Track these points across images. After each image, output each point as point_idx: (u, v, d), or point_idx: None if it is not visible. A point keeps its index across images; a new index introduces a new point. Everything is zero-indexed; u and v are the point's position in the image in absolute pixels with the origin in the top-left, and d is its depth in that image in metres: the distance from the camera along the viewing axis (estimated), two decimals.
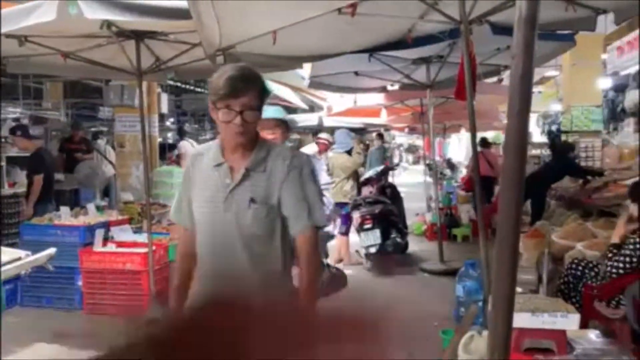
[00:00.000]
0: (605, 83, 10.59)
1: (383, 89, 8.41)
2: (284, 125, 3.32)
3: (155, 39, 4.93)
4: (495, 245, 1.25)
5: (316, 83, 7.60)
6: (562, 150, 8.12)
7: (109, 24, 4.28)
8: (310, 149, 10.55)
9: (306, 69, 7.15)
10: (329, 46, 5.35)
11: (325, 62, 5.77)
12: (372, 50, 5.86)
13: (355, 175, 7.73)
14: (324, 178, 8.09)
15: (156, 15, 4.04)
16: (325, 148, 8.37)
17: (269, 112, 3.18)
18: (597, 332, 3.53)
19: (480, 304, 4.12)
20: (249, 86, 1.96)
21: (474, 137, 4.82)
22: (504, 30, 5.19)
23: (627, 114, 11.07)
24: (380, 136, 14.28)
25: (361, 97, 9.87)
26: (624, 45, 10.06)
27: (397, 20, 4.81)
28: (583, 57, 9.55)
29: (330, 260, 7.55)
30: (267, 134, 2.84)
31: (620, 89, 11.61)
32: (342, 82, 7.72)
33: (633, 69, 10.32)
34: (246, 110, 1.96)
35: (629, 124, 10.64)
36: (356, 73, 7.19)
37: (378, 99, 9.73)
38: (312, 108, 14.55)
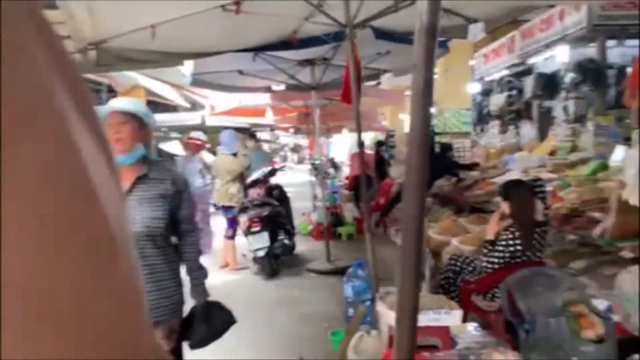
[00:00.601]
0: (473, 88, 11.43)
1: (268, 89, 8.34)
2: (136, 122, 2.52)
3: None
4: (400, 253, 1.23)
5: (198, 81, 7.34)
6: (441, 150, 8.59)
7: None
8: (173, 147, 10.09)
9: (188, 67, 6.86)
10: (212, 43, 5.17)
11: (208, 59, 5.58)
12: (256, 50, 5.77)
13: (241, 177, 7.57)
14: (197, 181, 7.82)
15: None
16: (198, 148, 8.13)
17: (118, 104, 2.59)
18: (476, 325, 3.73)
19: (368, 303, 4.18)
20: None
21: (359, 138, 4.91)
22: (384, 35, 5.37)
23: (492, 116, 12.08)
24: (253, 136, 14.06)
25: (246, 96, 9.74)
26: (489, 52, 10.95)
27: (282, 21, 4.76)
28: (455, 63, 10.19)
29: (216, 266, 7.35)
30: (111, 133, 2.37)
31: (486, 93, 12.63)
32: (226, 80, 7.53)
33: (497, 75, 11.27)
34: None
35: (494, 126, 11.60)
36: (240, 72, 7.04)
37: (263, 98, 9.65)
38: (194, 107, 14.10)
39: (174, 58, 5.37)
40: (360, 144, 5.05)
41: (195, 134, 8.55)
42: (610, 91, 7.64)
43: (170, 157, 10.32)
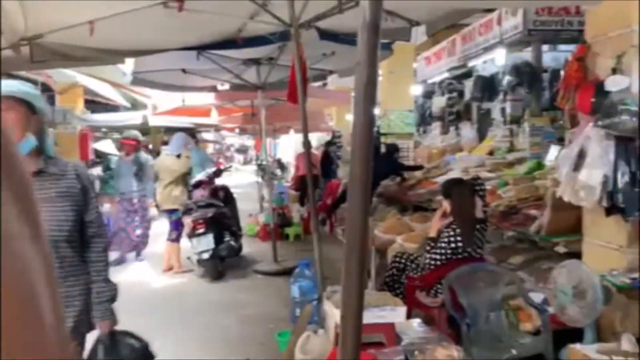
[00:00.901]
0: (416, 90, 11.67)
1: (213, 89, 8.22)
2: (23, 107, 2.06)
3: None
4: (345, 252, 1.23)
5: (139, 80, 7.15)
6: (387, 151, 8.73)
7: None
8: (106, 146, 9.72)
9: (128, 65, 6.66)
10: (154, 41, 5.04)
11: (150, 58, 5.45)
12: (200, 48, 5.67)
13: (184, 179, 7.41)
14: (133, 184, 7.56)
15: None
16: (132, 148, 7.80)
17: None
18: (420, 320, 3.82)
19: (315, 303, 4.19)
20: None
21: (306, 138, 4.91)
22: (329, 36, 5.40)
23: (434, 118, 12.38)
24: (193, 136, 13.82)
25: (190, 96, 9.55)
26: (431, 55, 11.21)
27: (226, 19, 4.70)
28: (398, 66, 10.37)
29: (159, 269, 7.18)
30: None
31: (428, 95, 12.93)
32: (169, 79, 7.37)
33: (439, 78, 11.56)
34: None
35: (436, 127, 11.90)
36: (184, 71, 6.91)
37: (208, 98, 9.50)
38: (136, 106, 13.72)
39: (114, 55, 5.20)
40: (306, 144, 5.06)
41: (130, 134, 8.12)
42: (545, 93, 7.99)
43: (105, 156, 9.94)
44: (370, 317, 3.31)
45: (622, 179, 3.32)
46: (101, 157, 10.12)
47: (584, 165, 3.45)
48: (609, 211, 3.47)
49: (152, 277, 6.98)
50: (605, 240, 3.66)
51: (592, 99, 3.54)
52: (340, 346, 1.20)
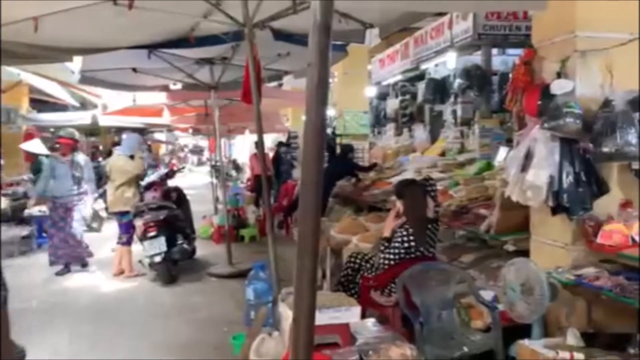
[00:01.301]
0: (370, 91, 11.79)
1: (165, 88, 8.07)
2: None
3: None
4: (297, 252, 1.23)
5: (88, 78, 6.96)
6: (342, 152, 8.78)
7: None
8: (35, 146, 9.17)
9: (77, 63, 6.45)
10: (104, 39, 4.91)
11: (99, 56, 5.30)
12: (152, 47, 5.56)
13: (137, 180, 7.22)
14: (67, 185, 7.08)
15: None
16: (69, 148, 7.29)
17: None
18: (374, 320, 3.85)
19: (270, 305, 4.17)
20: None
21: (261, 139, 4.88)
22: (284, 36, 5.39)
23: (388, 119, 12.55)
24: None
25: (141, 95, 9.33)
26: (385, 58, 11.35)
27: (179, 18, 4.61)
28: (353, 67, 10.46)
29: (109, 273, 6.97)
30: None
31: (382, 97, 13.10)
32: (119, 78, 7.19)
33: (392, 80, 11.72)
34: None
35: (390, 129, 12.06)
36: (135, 70, 6.75)
37: (160, 98, 9.31)
38: (84, 105, 13.31)
39: (63, 53, 5.04)
40: (261, 145, 5.03)
41: (66, 132, 7.49)
42: (494, 96, 8.21)
43: (35, 157, 9.20)
44: (324, 318, 3.32)
45: (567, 179, 3.45)
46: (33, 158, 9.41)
47: (530, 166, 3.56)
48: (555, 210, 3.60)
49: (101, 282, 6.78)
50: (551, 239, 3.79)
51: (539, 102, 3.66)
52: (291, 348, 1.19)
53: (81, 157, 7.48)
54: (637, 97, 3.37)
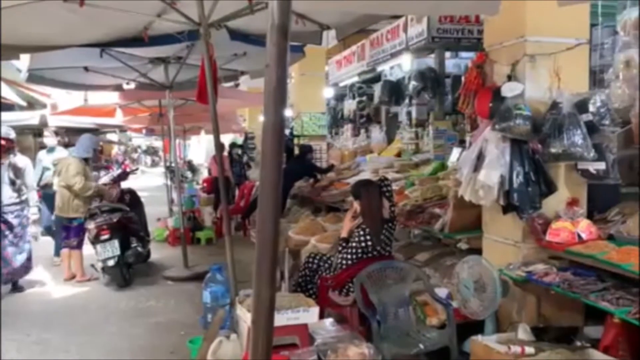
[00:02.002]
0: (328, 93, 11.86)
1: (118, 88, 7.87)
2: None
3: None
4: (256, 253, 1.23)
5: (36, 77, 6.72)
6: (301, 153, 8.78)
7: None
8: None
9: (24, 61, 6.21)
10: (54, 37, 4.76)
11: (48, 54, 5.14)
12: (104, 45, 5.42)
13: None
14: (7, 193, 6.06)
15: None
16: (3, 150, 6.17)
17: None
18: (332, 320, 3.87)
19: (227, 307, 4.13)
20: None
21: (217, 140, 4.83)
22: (240, 36, 5.36)
23: (345, 120, 12.65)
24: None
25: (93, 95, 9.07)
26: (342, 59, 11.44)
27: (132, 16, 4.51)
28: (310, 69, 10.49)
29: (60, 278, 6.73)
30: None
31: (340, 98, 13.20)
32: (70, 77, 6.98)
33: (349, 81, 11.82)
34: None
35: (347, 130, 12.16)
36: (86, 69, 6.57)
37: (112, 97, 9.07)
38: (32, 105, 12.83)
39: (9, 51, 4.85)
40: (218, 146, 4.97)
41: (1, 132, 6.22)
42: (448, 98, 8.41)
43: None
44: (283, 319, 3.32)
45: (517, 179, 3.57)
46: None
47: (482, 167, 3.67)
48: (506, 209, 3.71)
49: (52, 288, 6.54)
50: (502, 237, 3.91)
51: (490, 104, 3.77)
52: (250, 350, 1.19)
53: (19, 159, 6.45)
54: (582, 99, 3.52)
